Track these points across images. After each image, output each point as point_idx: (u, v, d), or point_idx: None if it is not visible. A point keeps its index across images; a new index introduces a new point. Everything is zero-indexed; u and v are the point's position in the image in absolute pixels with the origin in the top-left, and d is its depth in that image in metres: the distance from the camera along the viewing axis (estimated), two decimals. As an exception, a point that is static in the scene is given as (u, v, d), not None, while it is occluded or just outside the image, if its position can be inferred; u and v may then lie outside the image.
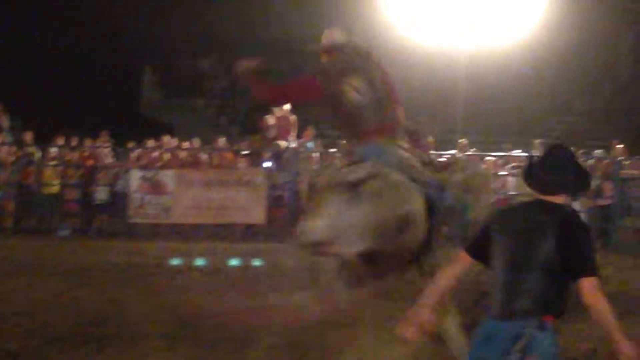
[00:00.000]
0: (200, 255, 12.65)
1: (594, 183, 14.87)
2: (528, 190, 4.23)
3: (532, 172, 4.14)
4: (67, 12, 23.39)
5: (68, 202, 15.83)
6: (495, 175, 14.86)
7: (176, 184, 15.06)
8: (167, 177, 15.16)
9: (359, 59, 6.23)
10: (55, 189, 15.68)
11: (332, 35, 6.41)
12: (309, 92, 6.41)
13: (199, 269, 11.18)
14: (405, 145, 6.25)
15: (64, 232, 15.17)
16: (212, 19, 24.81)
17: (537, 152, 15.91)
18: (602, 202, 14.86)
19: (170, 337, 6.95)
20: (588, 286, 3.84)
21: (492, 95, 23.23)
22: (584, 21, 22.62)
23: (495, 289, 4.03)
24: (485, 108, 22.49)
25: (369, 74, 6.16)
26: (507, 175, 15.16)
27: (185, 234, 14.99)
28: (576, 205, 14.82)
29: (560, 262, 3.88)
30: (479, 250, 4.16)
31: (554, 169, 4.08)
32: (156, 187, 15.09)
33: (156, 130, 18.29)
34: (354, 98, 6.06)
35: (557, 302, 3.95)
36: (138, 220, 15.15)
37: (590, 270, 3.88)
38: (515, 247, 3.99)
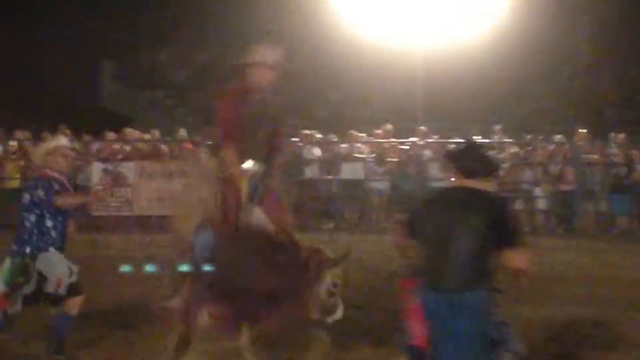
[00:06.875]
0: (163, 247, 12.72)
1: (556, 168, 15.13)
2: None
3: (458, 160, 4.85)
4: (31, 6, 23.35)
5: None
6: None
7: (137, 176, 15.12)
8: (128, 169, 15.22)
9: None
10: (16, 183, 15.59)
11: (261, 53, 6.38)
12: None
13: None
14: None
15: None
16: (169, 12, 24.80)
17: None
18: (563, 187, 15.01)
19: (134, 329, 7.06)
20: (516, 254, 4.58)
21: (452, 84, 23.40)
22: (541, 7, 22.85)
23: (433, 263, 4.62)
24: (446, 96, 22.68)
25: None
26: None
27: (149, 226, 15.03)
28: (538, 191, 15.11)
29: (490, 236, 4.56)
30: (411, 229, 4.82)
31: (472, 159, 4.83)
32: (117, 180, 15.11)
33: (116, 122, 18.28)
34: None
35: (490, 272, 4.61)
36: (100, 213, 15.22)
37: (519, 241, 4.65)
38: (450, 224, 4.60)
